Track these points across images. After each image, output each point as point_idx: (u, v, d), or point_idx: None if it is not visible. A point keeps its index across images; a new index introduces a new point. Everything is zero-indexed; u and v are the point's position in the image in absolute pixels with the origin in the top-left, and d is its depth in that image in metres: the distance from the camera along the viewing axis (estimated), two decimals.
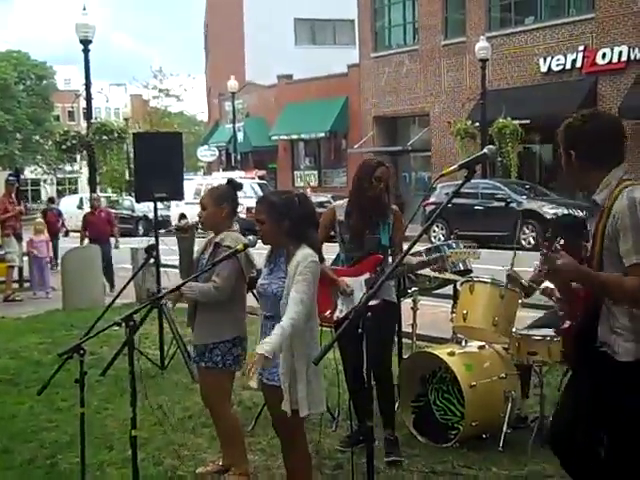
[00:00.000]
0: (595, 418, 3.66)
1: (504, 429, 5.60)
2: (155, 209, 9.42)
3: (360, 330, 3.46)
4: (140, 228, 31.33)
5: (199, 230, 5.84)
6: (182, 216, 7.79)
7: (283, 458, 4.60)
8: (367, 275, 5.49)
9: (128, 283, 6.83)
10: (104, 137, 16.70)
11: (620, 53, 24.13)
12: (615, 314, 3.50)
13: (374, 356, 5.82)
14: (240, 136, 39.32)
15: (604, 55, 24.56)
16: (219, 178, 33.04)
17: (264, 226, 4.29)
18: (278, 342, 3.92)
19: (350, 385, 5.58)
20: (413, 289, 6.58)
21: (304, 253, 4.18)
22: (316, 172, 38.13)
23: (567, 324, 3.72)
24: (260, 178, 35.25)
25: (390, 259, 5.60)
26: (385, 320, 5.74)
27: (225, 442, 5.16)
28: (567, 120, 3.69)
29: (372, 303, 5.45)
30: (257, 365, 3.88)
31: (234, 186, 5.20)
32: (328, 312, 5.69)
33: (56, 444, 6.03)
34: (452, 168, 3.58)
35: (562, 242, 5.93)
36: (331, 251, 5.87)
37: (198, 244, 5.32)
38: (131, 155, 17.53)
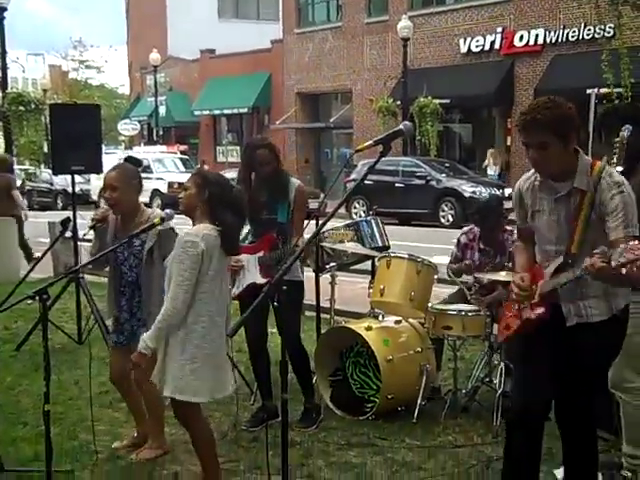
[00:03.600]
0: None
1: (419, 402, 5.72)
2: (73, 182, 9.23)
3: (276, 303, 3.49)
4: (59, 202, 30.67)
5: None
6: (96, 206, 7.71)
7: None
8: (261, 253, 5.56)
9: (43, 256, 6.73)
10: (20, 108, 16.27)
11: (537, 36, 24.55)
12: (588, 284, 3.72)
13: (285, 334, 5.87)
14: (162, 110, 38.73)
15: (521, 37, 24.94)
16: (141, 152, 32.57)
17: (186, 192, 4.30)
18: (159, 336, 4.11)
19: (251, 357, 5.79)
20: (331, 264, 6.61)
21: (191, 230, 4.22)
22: (238, 148, 37.84)
23: (541, 310, 3.87)
24: (182, 153, 34.90)
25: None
26: (289, 298, 5.78)
27: (149, 415, 5.10)
28: (564, 106, 3.67)
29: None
30: (139, 363, 4.17)
31: (134, 162, 5.14)
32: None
33: None
34: (367, 144, 3.60)
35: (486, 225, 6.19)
36: None
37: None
38: (49, 127, 17.11)
